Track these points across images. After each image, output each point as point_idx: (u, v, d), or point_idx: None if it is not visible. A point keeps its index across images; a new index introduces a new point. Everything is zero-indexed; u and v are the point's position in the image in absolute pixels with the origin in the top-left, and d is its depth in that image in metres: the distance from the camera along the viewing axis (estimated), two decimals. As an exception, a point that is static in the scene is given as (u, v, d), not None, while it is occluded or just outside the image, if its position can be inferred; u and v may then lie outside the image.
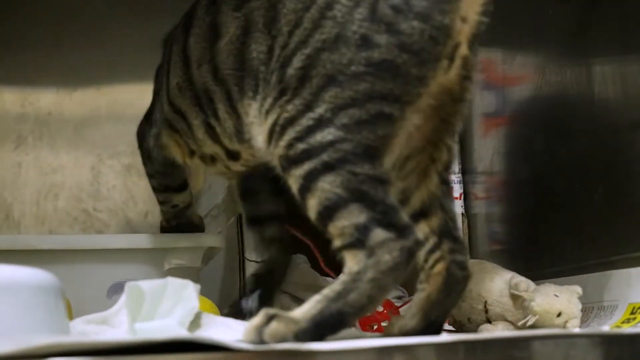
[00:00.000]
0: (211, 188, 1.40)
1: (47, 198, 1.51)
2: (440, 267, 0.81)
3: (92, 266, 1.05)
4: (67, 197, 1.51)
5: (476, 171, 1.26)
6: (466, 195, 1.25)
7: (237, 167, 1.01)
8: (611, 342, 0.70)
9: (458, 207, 1.23)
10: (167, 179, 1.16)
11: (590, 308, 0.95)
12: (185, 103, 0.98)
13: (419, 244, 0.71)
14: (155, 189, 1.18)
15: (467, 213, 1.25)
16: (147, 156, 1.14)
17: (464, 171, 1.26)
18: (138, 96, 1.55)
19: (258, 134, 0.84)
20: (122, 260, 1.06)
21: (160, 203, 1.19)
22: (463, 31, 0.76)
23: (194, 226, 1.20)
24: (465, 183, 1.26)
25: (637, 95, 0.91)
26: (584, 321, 0.94)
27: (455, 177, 1.23)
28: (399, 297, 1.36)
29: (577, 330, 0.86)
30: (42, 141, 1.50)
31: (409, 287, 1.37)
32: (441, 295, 0.81)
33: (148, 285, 0.77)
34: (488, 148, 1.20)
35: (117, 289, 1.04)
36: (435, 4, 0.73)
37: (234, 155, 0.97)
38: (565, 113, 1.03)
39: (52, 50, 1.54)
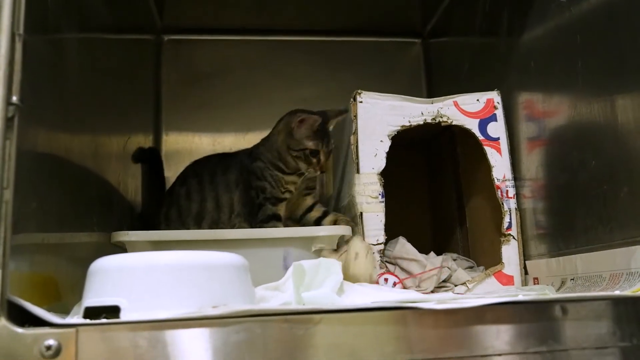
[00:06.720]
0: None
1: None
2: None
3: (266, 250, 1.01)
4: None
5: (525, 178, 1.19)
6: (518, 195, 1.18)
7: None
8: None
9: (512, 204, 1.15)
10: None
11: (620, 274, 0.86)
12: None
13: None
14: None
15: (519, 208, 1.17)
16: None
17: (515, 178, 1.18)
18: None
19: None
20: (286, 245, 1.02)
21: None
22: None
23: None
24: (517, 187, 1.18)
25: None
26: (616, 283, 0.85)
27: (509, 183, 1.16)
28: (470, 267, 1.26)
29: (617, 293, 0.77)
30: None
31: (478, 260, 1.29)
32: None
33: (307, 264, 0.73)
34: (533, 162, 1.13)
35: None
36: None
37: None
38: (594, 135, 0.94)
39: (231, 109, 1.63)
